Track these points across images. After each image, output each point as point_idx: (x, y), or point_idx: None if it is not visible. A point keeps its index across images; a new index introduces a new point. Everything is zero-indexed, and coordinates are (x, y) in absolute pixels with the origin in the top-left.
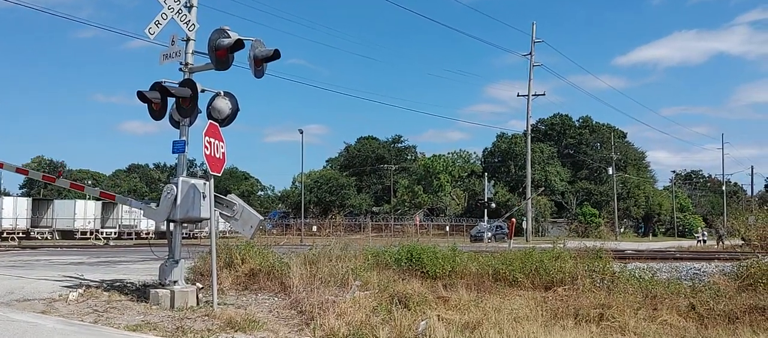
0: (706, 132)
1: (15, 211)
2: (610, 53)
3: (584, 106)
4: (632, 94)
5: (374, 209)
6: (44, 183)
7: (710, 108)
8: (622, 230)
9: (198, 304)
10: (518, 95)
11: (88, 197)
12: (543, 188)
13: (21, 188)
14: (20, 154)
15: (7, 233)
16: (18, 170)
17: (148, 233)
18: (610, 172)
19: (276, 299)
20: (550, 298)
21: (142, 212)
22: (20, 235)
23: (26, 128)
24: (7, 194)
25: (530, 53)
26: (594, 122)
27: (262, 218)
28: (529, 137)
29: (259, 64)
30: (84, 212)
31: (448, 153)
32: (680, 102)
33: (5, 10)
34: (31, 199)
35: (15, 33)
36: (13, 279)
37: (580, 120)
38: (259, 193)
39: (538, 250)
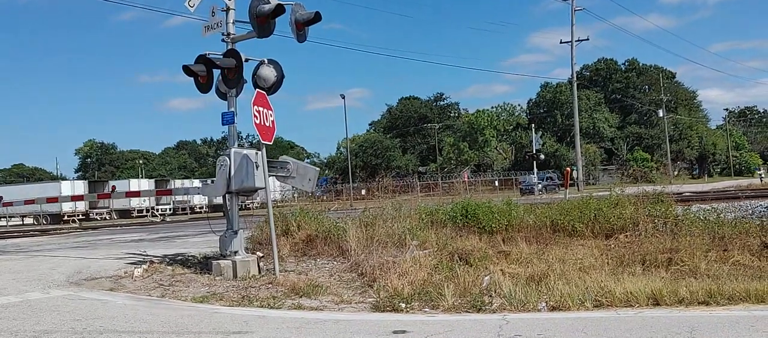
0: (761, 66)
1: (73, 194)
2: None
3: (630, 48)
4: (681, 32)
5: (421, 168)
6: (99, 165)
7: (764, 41)
8: (675, 172)
9: (260, 273)
10: (561, 42)
11: (141, 175)
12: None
13: (76, 171)
14: (74, 139)
15: (68, 216)
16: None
17: (201, 208)
18: (661, 114)
19: (335, 263)
20: (613, 246)
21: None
22: (80, 217)
23: (78, 112)
24: (65, 179)
25: None
26: (641, 65)
27: (317, 169)
28: (575, 84)
29: (301, 28)
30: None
31: (492, 107)
32: (732, 37)
33: (45, 2)
34: (87, 182)
35: (62, 22)
36: (80, 260)
37: (626, 63)
38: (306, 161)
39: (595, 198)
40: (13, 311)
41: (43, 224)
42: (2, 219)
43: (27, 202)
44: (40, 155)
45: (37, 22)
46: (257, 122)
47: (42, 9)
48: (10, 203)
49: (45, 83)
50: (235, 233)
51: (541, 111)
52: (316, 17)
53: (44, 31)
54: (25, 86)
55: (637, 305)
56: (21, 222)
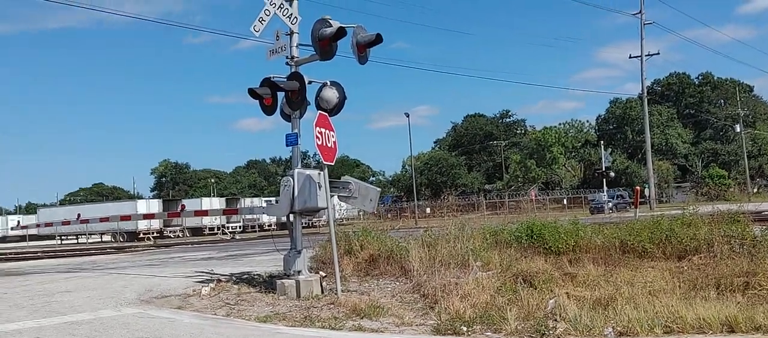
0: None
1: (147, 212)
2: (731, 2)
3: (703, 62)
4: (760, 43)
5: (487, 187)
6: (173, 184)
7: None
8: (755, 190)
9: (322, 292)
10: (630, 57)
11: (212, 194)
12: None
13: (151, 190)
14: (149, 158)
15: (143, 234)
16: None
17: (270, 225)
18: (738, 129)
19: (397, 283)
20: (685, 268)
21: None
22: (155, 234)
23: (153, 133)
24: (141, 198)
25: (640, 12)
26: (715, 78)
27: (379, 189)
28: (646, 99)
29: (362, 50)
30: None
31: (560, 124)
32: None
33: (122, 27)
34: (162, 200)
35: (136, 49)
36: (151, 278)
37: (700, 77)
38: (371, 179)
39: (667, 218)
40: (86, 328)
41: (120, 241)
42: (82, 237)
43: (102, 219)
44: (118, 174)
45: (114, 46)
46: (319, 143)
47: (118, 34)
48: (86, 220)
49: (124, 105)
50: (299, 252)
51: (611, 127)
52: (378, 39)
53: (120, 54)
54: (104, 107)
55: (710, 331)
56: (99, 240)
